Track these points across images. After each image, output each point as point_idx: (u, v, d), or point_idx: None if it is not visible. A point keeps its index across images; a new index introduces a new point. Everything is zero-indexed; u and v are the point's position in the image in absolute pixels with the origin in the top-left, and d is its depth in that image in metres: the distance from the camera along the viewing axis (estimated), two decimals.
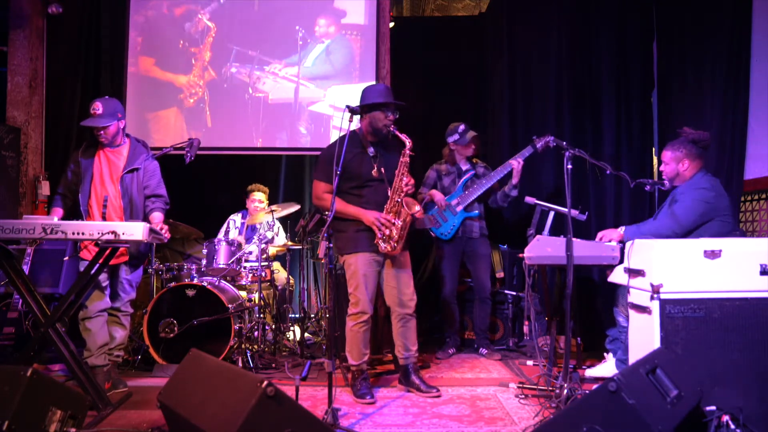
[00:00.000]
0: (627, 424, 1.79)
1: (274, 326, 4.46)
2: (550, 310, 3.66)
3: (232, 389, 1.92)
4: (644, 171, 4.56)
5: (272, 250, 4.77)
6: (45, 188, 4.80)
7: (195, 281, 3.87)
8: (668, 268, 2.50)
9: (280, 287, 4.76)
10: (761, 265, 2.44)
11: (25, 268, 3.37)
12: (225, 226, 5.00)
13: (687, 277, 2.48)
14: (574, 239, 2.82)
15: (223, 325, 3.73)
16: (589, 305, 4.41)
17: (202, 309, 3.74)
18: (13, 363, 2.78)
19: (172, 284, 3.86)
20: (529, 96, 4.91)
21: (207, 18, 5.13)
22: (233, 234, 4.88)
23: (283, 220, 5.14)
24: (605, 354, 3.55)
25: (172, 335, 3.71)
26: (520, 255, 3.18)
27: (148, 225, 2.68)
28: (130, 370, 3.77)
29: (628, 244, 2.81)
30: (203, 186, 5.69)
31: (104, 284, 3.20)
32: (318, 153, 5.34)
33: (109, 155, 3.30)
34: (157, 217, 3.27)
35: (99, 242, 2.67)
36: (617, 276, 2.93)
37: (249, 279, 4.39)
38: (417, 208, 3.11)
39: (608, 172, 3.28)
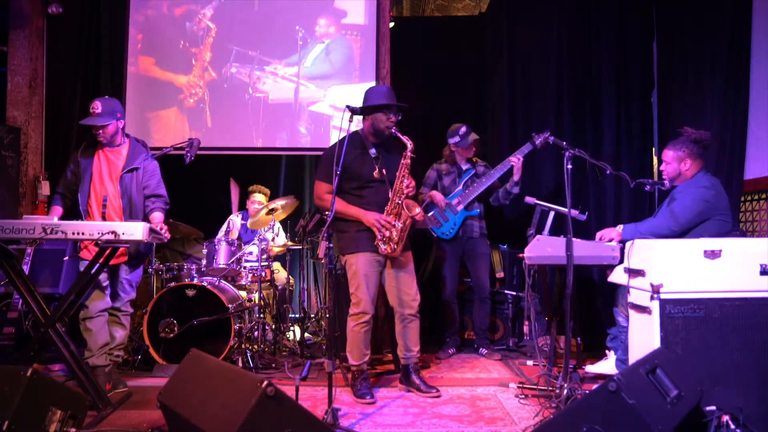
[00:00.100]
0: (627, 424, 1.79)
1: (274, 326, 4.46)
2: (550, 310, 3.66)
3: (232, 389, 1.92)
4: (644, 171, 4.56)
5: (273, 251, 4.77)
6: (45, 188, 4.80)
7: (195, 281, 3.87)
8: (668, 268, 2.50)
9: (280, 287, 4.76)
10: (761, 265, 2.44)
11: (25, 268, 3.37)
12: (225, 226, 5.00)
13: (687, 277, 2.48)
14: (574, 239, 2.82)
15: (223, 325, 3.73)
16: (589, 305, 4.41)
17: (202, 309, 3.74)
18: (13, 363, 2.78)
19: (172, 284, 3.86)
20: (529, 96, 4.91)
21: (207, 18, 5.13)
22: (234, 235, 4.88)
23: (283, 220, 5.14)
24: (606, 352, 3.55)
25: (172, 335, 3.71)
26: (520, 255, 3.18)
27: (148, 225, 2.68)
28: (130, 370, 3.77)
29: (628, 244, 2.81)
30: (203, 186, 5.70)
31: (104, 284, 3.20)
32: (318, 153, 5.38)
33: (108, 155, 3.30)
34: (157, 216, 3.27)
35: (99, 242, 2.66)
36: (617, 276, 2.93)
37: (249, 279, 4.39)
38: (417, 210, 3.11)
39: (608, 172, 3.28)
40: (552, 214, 3.42)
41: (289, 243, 4.81)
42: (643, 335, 2.59)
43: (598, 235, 3.26)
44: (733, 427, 2.14)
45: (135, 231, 2.63)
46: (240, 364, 3.71)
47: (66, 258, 3.64)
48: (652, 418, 1.79)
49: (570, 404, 2.57)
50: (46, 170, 4.91)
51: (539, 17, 4.91)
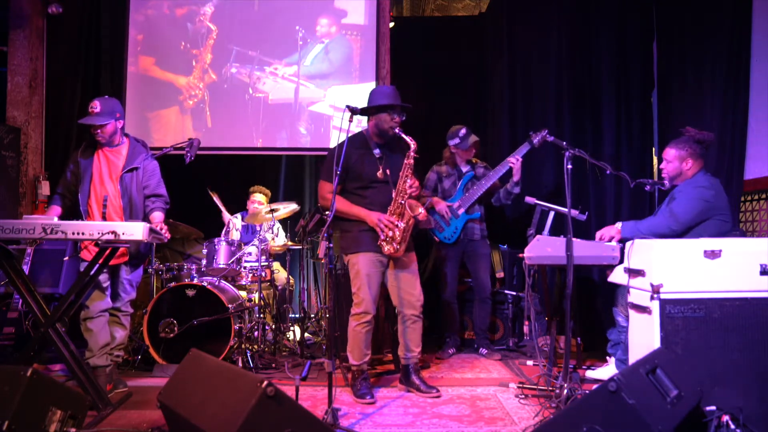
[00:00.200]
0: (627, 424, 1.79)
1: (274, 326, 4.46)
2: (550, 310, 3.66)
3: (232, 389, 1.92)
4: (644, 171, 4.56)
5: (273, 251, 4.77)
6: (45, 188, 4.80)
7: (195, 281, 3.87)
8: (668, 268, 2.50)
9: (280, 287, 4.76)
10: (761, 265, 2.44)
11: (25, 268, 3.38)
12: (225, 226, 5.00)
13: (687, 277, 2.48)
14: (574, 239, 2.82)
15: (223, 325, 3.73)
16: (589, 305, 4.41)
17: (202, 309, 3.74)
18: (13, 363, 2.78)
19: (172, 284, 3.86)
20: (529, 96, 4.91)
21: (208, 19, 5.13)
22: (235, 235, 4.87)
23: (283, 220, 5.14)
24: (607, 357, 3.55)
25: (172, 335, 3.71)
26: (520, 255, 3.18)
27: (148, 225, 2.68)
28: (130, 370, 3.77)
29: (628, 244, 2.81)
30: (203, 186, 5.69)
31: (105, 284, 3.20)
32: (318, 153, 5.40)
33: (108, 155, 3.30)
34: (158, 216, 3.26)
35: (99, 242, 2.66)
36: (617, 276, 2.93)
37: (249, 279, 4.39)
38: (420, 210, 3.11)
39: (608, 172, 3.28)
40: (552, 214, 3.42)
41: (289, 243, 4.81)
42: (643, 335, 2.59)
43: (598, 234, 3.26)
44: (733, 427, 2.14)
45: (135, 231, 2.63)
46: (240, 364, 3.71)
47: (66, 258, 3.64)
48: (652, 418, 1.79)
49: (570, 404, 2.57)
50: (46, 170, 4.91)
51: (539, 17, 4.91)
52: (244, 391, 1.84)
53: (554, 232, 3.36)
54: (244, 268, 4.34)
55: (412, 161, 3.12)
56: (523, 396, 3.17)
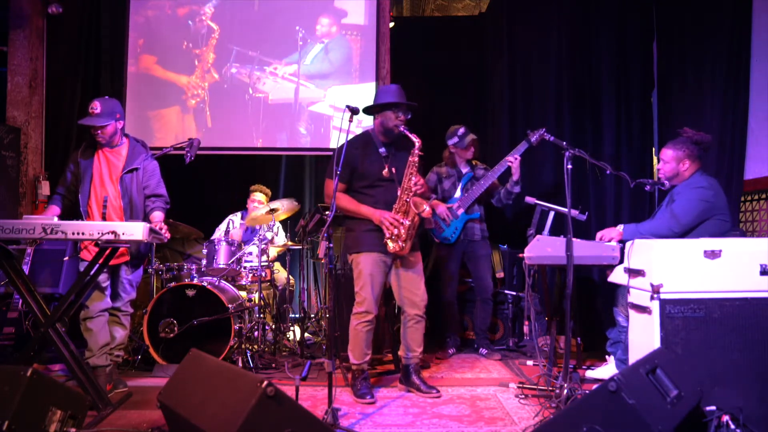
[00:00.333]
0: (627, 424, 1.79)
1: (274, 326, 4.46)
2: (550, 310, 3.66)
3: (232, 389, 1.92)
4: (644, 171, 4.56)
5: (273, 252, 4.77)
6: (45, 188, 4.80)
7: (195, 281, 3.87)
8: (668, 268, 2.50)
9: (280, 287, 4.76)
10: (761, 265, 2.44)
11: (25, 268, 3.38)
12: (225, 225, 5.00)
13: (687, 277, 2.48)
14: (574, 239, 2.82)
15: (223, 325, 3.73)
16: (589, 305, 4.41)
17: (202, 309, 3.74)
18: (13, 363, 2.78)
19: (172, 284, 3.86)
20: (529, 96, 4.91)
21: (208, 18, 5.13)
22: (233, 235, 4.87)
23: (283, 220, 5.14)
24: (606, 357, 3.55)
25: (172, 335, 3.71)
26: (520, 255, 3.18)
27: (148, 225, 2.68)
28: (130, 370, 3.77)
29: (628, 244, 2.81)
30: (203, 186, 5.70)
31: (104, 284, 3.20)
32: (318, 153, 5.40)
33: (108, 155, 3.30)
34: (158, 216, 3.26)
35: (99, 242, 2.66)
36: (617, 276, 2.93)
37: (249, 279, 4.39)
38: (425, 207, 3.11)
39: (608, 172, 3.28)
40: (552, 214, 3.42)
41: (289, 243, 4.80)
42: (643, 335, 2.59)
43: (599, 235, 3.26)
44: (733, 427, 2.14)
45: (135, 231, 2.63)
46: (240, 364, 3.71)
47: (66, 258, 3.64)
48: (652, 418, 1.79)
49: (570, 404, 2.57)
50: (46, 170, 4.91)
51: (539, 17, 4.91)
52: (244, 391, 1.84)
53: (554, 232, 3.36)
54: (244, 268, 4.34)
55: (416, 159, 3.12)
56: (523, 396, 3.17)
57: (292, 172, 6.16)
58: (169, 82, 5.13)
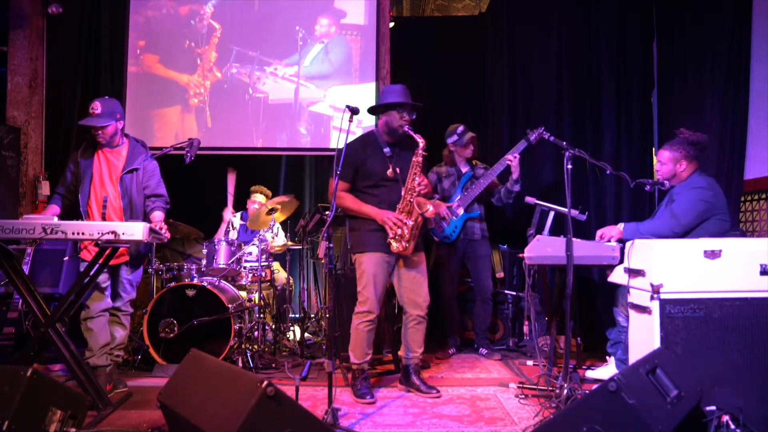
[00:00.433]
0: (627, 424, 1.79)
1: (274, 326, 4.46)
2: (550, 310, 3.66)
3: (232, 389, 1.92)
4: (644, 171, 4.56)
5: (273, 251, 4.76)
6: (45, 188, 4.80)
7: (195, 281, 3.87)
8: (668, 268, 2.50)
9: (279, 287, 4.76)
10: (761, 265, 2.44)
11: (25, 268, 3.38)
12: (225, 226, 5.00)
13: (687, 277, 2.48)
14: (574, 239, 2.82)
15: (223, 325, 3.73)
16: (589, 305, 4.41)
17: (202, 309, 3.74)
18: (13, 363, 2.78)
19: (172, 284, 3.86)
20: (529, 96, 4.91)
21: (210, 18, 5.13)
22: (232, 234, 4.87)
23: (283, 221, 5.13)
24: (607, 357, 3.55)
25: (172, 335, 3.71)
26: (520, 255, 3.18)
27: (148, 225, 2.68)
28: (130, 370, 3.77)
29: (627, 244, 2.81)
30: (203, 186, 5.69)
31: (104, 284, 3.20)
32: (318, 153, 5.40)
33: (108, 156, 3.30)
34: (158, 216, 3.26)
35: (99, 242, 2.66)
36: (617, 276, 2.93)
37: (249, 279, 4.39)
38: (428, 207, 3.10)
39: (608, 172, 3.28)
40: (552, 214, 3.42)
41: (289, 243, 4.81)
42: (643, 335, 2.59)
43: (599, 233, 3.26)
44: (733, 427, 2.14)
45: (135, 231, 2.63)
46: (240, 364, 3.71)
47: (66, 258, 3.64)
48: (652, 418, 1.79)
49: (570, 404, 2.57)
50: (46, 170, 4.91)
51: (539, 17, 4.91)
52: (244, 391, 1.84)
53: (554, 232, 3.36)
54: (244, 268, 4.34)
55: (420, 159, 3.12)
56: (523, 396, 3.17)
57: (292, 172, 6.16)
58: (171, 80, 5.13)
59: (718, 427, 2.14)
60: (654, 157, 4.67)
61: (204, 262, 4.18)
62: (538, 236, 3.11)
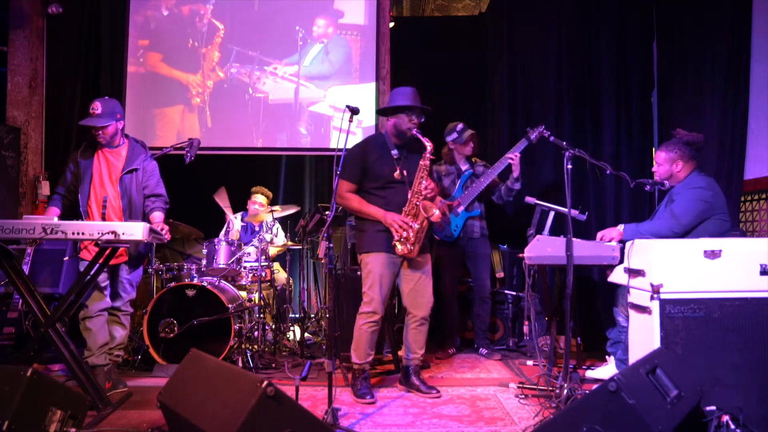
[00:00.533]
0: (627, 424, 1.79)
1: (274, 326, 4.46)
2: (550, 310, 3.66)
3: (232, 389, 1.92)
4: (644, 171, 4.56)
5: (272, 251, 4.77)
6: (45, 188, 4.80)
7: (195, 281, 3.87)
8: (668, 268, 2.50)
9: (279, 287, 4.76)
10: (761, 265, 2.44)
11: (25, 268, 3.38)
12: (225, 226, 5.00)
13: (687, 277, 2.48)
14: (574, 239, 2.82)
15: (223, 325, 3.73)
16: (589, 305, 4.41)
17: (202, 309, 3.74)
18: (13, 363, 2.78)
19: (172, 284, 3.86)
20: (529, 96, 4.91)
21: (213, 18, 5.13)
22: (233, 235, 4.88)
23: (282, 221, 5.14)
24: (606, 357, 3.55)
25: (172, 335, 3.71)
26: (520, 255, 3.18)
27: (148, 225, 2.68)
28: (130, 370, 3.77)
29: (627, 244, 2.81)
30: (203, 186, 5.69)
31: (104, 284, 3.20)
32: (318, 153, 5.40)
33: (108, 156, 3.30)
34: (158, 216, 3.27)
35: (99, 242, 2.66)
36: (617, 276, 2.93)
37: (249, 279, 4.39)
38: (435, 211, 3.10)
39: (608, 172, 3.28)
40: (552, 214, 3.42)
41: (289, 243, 4.81)
42: (643, 335, 2.59)
43: (599, 234, 3.27)
44: (733, 427, 2.14)
45: (135, 231, 2.63)
46: (240, 364, 3.71)
47: (66, 258, 3.64)
48: (652, 418, 1.79)
49: (570, 404, 2.57)
50: (46, 170, 4.91)
51: (539, 17, 4.91)
52: (244, 391, 1.84)
53: (554, 232, 3.36)
54: (244, 268, 4.34)
55: (428, 162, 3.13)
56: (523, 396, 3.17)
57: (292, 172, 6.16)
58: (174, 80, 5.13)
59: (718, 427, 2.14)
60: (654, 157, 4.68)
61: (204, 262, 4.18)
62: (538, 236, 3.11)
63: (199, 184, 5.60)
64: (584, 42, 4.78)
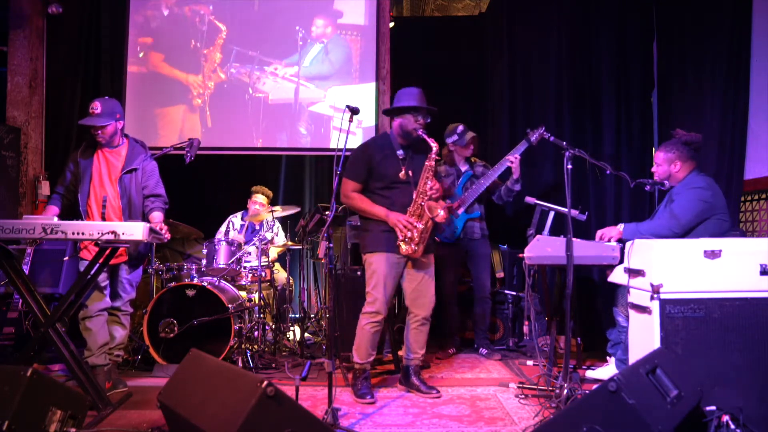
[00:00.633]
0: (627, 424, 1.79)
1: (274, 326, 4.46)
2: (550, 310, 3.66)
3: (232, 389, 1.92)
4: (644, 171, 4.55)
5: (273, 253, 4.77)
6: (45, 188, 4.80)
7: (195, 281, 3.87)
8: (668, 268, 2.50)
9: (279, 287, 4.76)
10: (761, 265, 2.44)
11: (25, 268, 3.38)
12: (225, 226, 5.00)
13: (687, 277, 2.48)
14: (574, 239, 2.82)
15: (223, 325, 3.73)
16: (589, 305, 4.41)
17: (202, 309, 3.74)
18: (13, 363, 2.78)
19: (172, 284, 3.86)
20: (529, 96, 4.91)
21: (215, 19, 5.13)
22: (233, 235, 4.88)
23: (283, 221, 5.14)
24: (607, 357, 3.55)
25: (172, 335, 3.71)
26: (520, 255, 3.18)
27: (148, 225, 2.68)
28: (130, 370, 3.77)
29: (627, 244, 2.81)
30: (203, 186, 5.70)
31: (104, 284, 3.20)
32: (318, 153, 5.40)
33: (107, 156, 3.30)
34: (157, 216, 3.27)
35: (99, 242, 2.66)
36: (617, 276, 2.93)
37: (249, 279, 4.39)
38: (439, 212, 3.10)
39: (608, 172, 3.28)
40: (552, 214, 3.42)
41: (289, 243, 4.81)
42: (643, 335, 2.59)
43: (599, 233, 3.27)
44: (733, 427, 2.14)
45: (135, 231, 2.63)
46: (240, 364, 3.71)
47: (66, 258, 3.64)
48: (652, 418, 1.79)
49: (570, 404, 2.57)
50: (46, 170, 4.91)
51: (539, 17, 4.91)
52: (244, 391, 1.84)
53: (554, 232, 3.36)
54: (244, 268, 4.34)
55: (433, 163, 3.13)
56: (523, 396, 3.17)
57: (292, 172, 6.17)
58: (175, 80, 5.13)
59: (718, 427, 2.14)
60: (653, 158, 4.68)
61: (204, 262, 4.18)
62: (538, 236, 3.11)
63: (199, 184, 5.62)
64: (584, 42, 4.78)
